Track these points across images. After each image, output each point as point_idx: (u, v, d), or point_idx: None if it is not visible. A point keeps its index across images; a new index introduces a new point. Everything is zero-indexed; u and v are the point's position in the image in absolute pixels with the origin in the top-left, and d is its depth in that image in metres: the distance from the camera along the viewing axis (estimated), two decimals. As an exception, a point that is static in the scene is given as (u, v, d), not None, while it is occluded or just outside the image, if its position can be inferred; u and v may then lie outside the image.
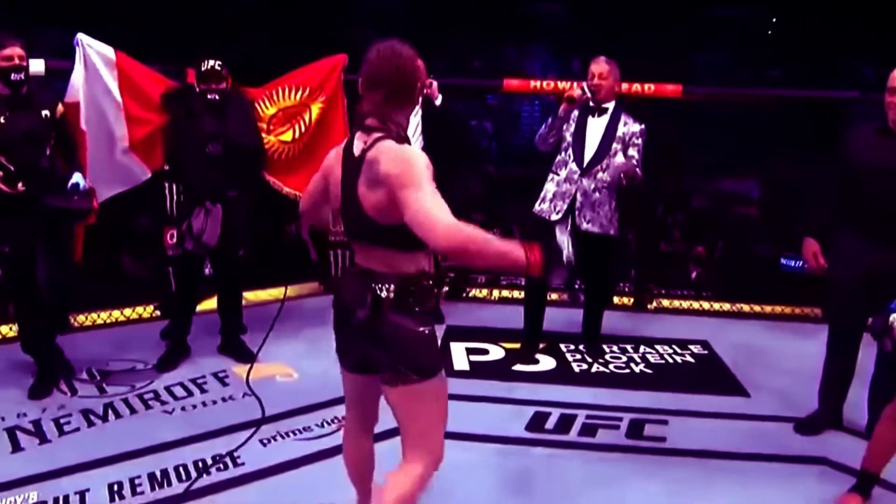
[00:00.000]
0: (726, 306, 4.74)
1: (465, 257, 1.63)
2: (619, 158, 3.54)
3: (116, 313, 4.16)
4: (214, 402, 3.22)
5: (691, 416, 3.24)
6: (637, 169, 3.48)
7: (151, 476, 2.62)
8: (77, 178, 3.15)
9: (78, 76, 3.45)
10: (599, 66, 3.57)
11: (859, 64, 7.96)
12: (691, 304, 4.78)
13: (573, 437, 3.03)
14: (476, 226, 1.65)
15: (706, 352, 4.02)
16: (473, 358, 3.81)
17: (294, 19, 7.36)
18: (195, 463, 2.71)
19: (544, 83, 4.72)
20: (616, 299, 4.65)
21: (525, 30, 9.11)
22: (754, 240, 6.37)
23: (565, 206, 3.57)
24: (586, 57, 3.72)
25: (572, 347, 3.93)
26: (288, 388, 3.38)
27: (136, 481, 2.59)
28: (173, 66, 3.80)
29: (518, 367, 3.71)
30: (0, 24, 3.24)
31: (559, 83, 4.58)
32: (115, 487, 2.55)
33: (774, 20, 8.85)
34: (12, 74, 3.00)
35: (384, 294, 1.79)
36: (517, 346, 3.89)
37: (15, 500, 2.46)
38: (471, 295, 4.87)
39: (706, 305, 4.77)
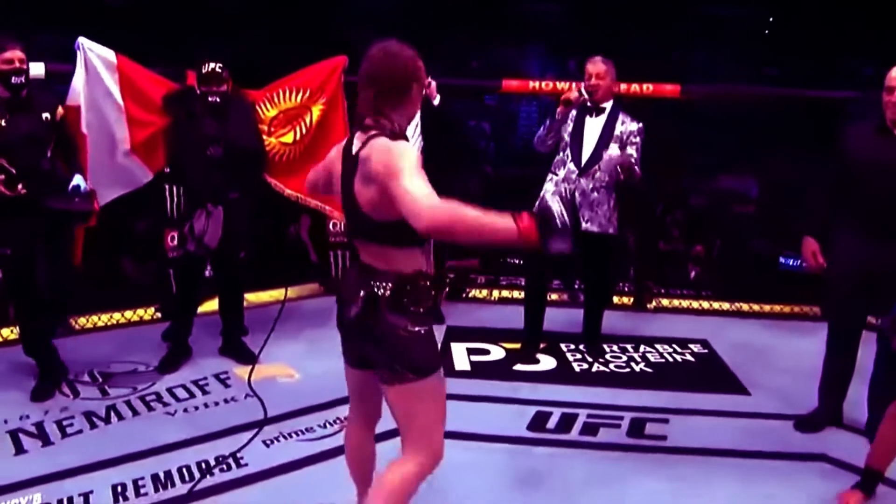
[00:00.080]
0: (726, 305, 4.75)
1: (453, 236, 1.65)
2: (614, 151, 3.53)
3: (117, 315, 4.17)
4: (216, 404, 3.23)
5: (692, 414, 3.25)
6: (636, 167, 3.49)
7: (155, 477, 2.63)
8: (78, 179, 3.16)
9: (79, 80, 3.45)
10: (596, 65, 3.57)
11: (857, 63, 7.98)
12: (691, 304, 4.80)
13: (575, 436, 3.05)
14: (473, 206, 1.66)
15: (706, 351, 4.04)
16: (474, 358, 3.82)
17: (291, 19, 7.37)
18: (198, 464, 2.72)
19: (543, 83, 4.72)
20: (616, 299, 4.66)
21: (522, 30, 9.13)
22: (752, 239, 6.38)
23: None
24: (583, 56, 3.72)
25: (573, 347, 3.94)
26: (289, 388, 3.38)
27: (140, 482, 2.59)
28: (172, 67, 3.80)
29: (519, 367, 3.72)
30: (-1, 26, 3.25)
31: (558, 83, 4.59)
32: (119, 489, 2.55)
33: (771, 19, 8.87)
34: (13, 77, 3.01)
35: (381, 292, 1.81)
36: (518, 346, 3.90)
37: (20, 501, 2.47)
38: (471, 295, 4.88)
39: (706, 305, 4.78)
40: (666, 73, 5.17)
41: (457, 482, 2.59)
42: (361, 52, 1.86)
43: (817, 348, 3.20)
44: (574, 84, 3.73)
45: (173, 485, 2.59)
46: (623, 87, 4.31)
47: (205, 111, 3.36)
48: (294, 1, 7.51)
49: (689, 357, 3.95)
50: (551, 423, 3.13)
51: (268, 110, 3.81)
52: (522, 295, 4.08)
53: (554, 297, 4.49)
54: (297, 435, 2.96)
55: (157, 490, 2.56)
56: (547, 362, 3.78)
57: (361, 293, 1.83)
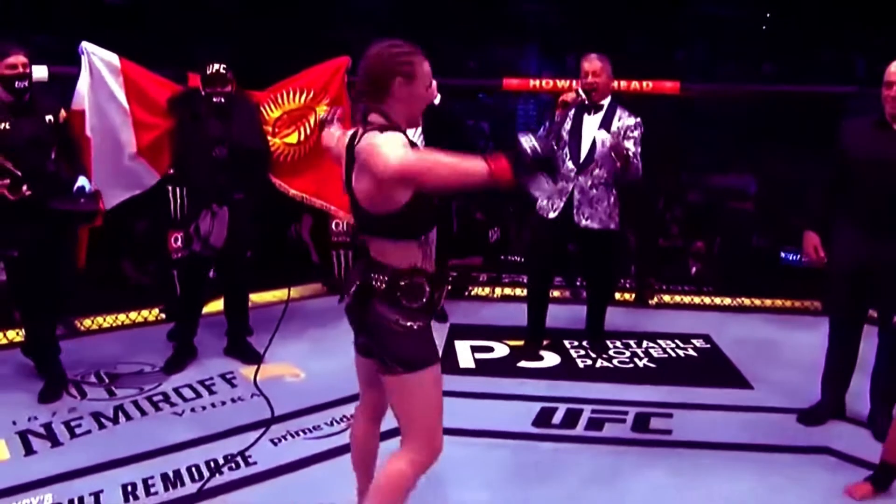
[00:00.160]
0: (727, 301, 4.77)
1: (423, 180, 1.69)
2: (605, 135, 3.50)
3: (122, 317, 4.18)
4: (223, 403, 3.25)
5: (696, 408, 3.28)
6: (634, 159, 3.48)
7: (164, 476, 2.64)
8: (82, 181, 3.18)
9: (83, 84, 3.46)
10: (592, 63, 3.58)
11: (853, 58, 8.02)
12: (692, 299, 4.82)
13: (580, 431, 3.07)
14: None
15: (708, 346, 4.06)
16: (479, 356, 3.84)
17: (291, 19, 7.39)
18: (207, 463, 2.73)
19: (543, 82, 4.74)
20: (617, 295, 4.68)
21: (518, 30, 9.15)
22: (751, 234, 6.42)
23: (562, 204, 3.59)
24: (579, 54, 3.73)
25: (576, 343, 3.96)
26: (295, 388, 3.40)
27: (150, 482, 2.61)
28: (172, 69, 3.82)
29: (523, 364, 3.74)
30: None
31: (558, 81, 4.61)
32: (129, 488, 2.57)
33: (768, 15, 8.91)
34: (16, 83, 3.03)
35: (377, 284, 1.85)
36: (521, 343, 3.92)
37: (31, 502, 2.48)
38: (473, 293, 4.90)
39: (707, 300, 4.80)
40: (665, 71, 5.19)
41: (465, 478, 2.61)
42: (359, 53, 1.90)
43: (819, 342, 3.22)
44: (573, 82, 3.73)
45: (183, 484, 2.61)
46: (623, 84, 4.34)
47: (209, 112, 3.37)
48: (294, 1, 7.53)
49: (691, 352, 3.97)
50: (556, 419, 3.15)
51: (272, 111, 3.83)
52: (525, 292, 4.11)
53: (556, 294, 4.51)
54: (305, 433, 2.97)
55: (167, 489, 2.58)
56: (551, 359, 3.81)
57: (356, 283, 1.88)
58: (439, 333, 3.71)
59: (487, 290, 4.93)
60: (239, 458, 2.77)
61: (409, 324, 1.85)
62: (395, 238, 1.85)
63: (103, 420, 3.08)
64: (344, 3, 8.21)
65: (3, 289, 3.47)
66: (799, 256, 5.13)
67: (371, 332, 1.89)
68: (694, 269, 5.69)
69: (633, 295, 4.82)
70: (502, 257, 5.59)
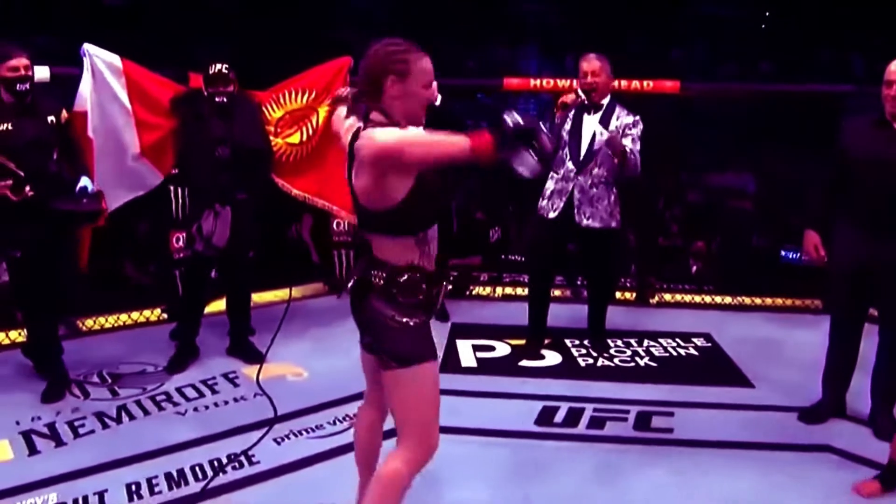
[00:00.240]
0: (728, 299, 4.78)
1: (405, 155, 1.73)
2: (601, 129, 3.51)
3: (124, 317, 4.18)
4: (226, 403, 3.25)
5: (697, 407, 3.29)
6: (631, 155, 3.48)
7: (168, 476, 2.65)
8: (85, 181, 3.19)
9: (86, 86, 3.46)
10: (591, 63, 3.58)
11: (852, 58, 8.03)
12: (693, 298, 4.83)
13: (582, 430, 3.08)
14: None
15: (709, 344, 4.07)
16: (480, 355, 3.85)
17: (291, 19, 7.40)
18: (210, 462, 2.74)
19: (543, 81, 4.75)
20: (618, 294, 4.69)
21: (517, 30, 9.16)
22: (751, 233, 6.43)
23: (562, 204, 3.60)
24: (579, 54, 3.74)
25: (577, 342, 3.97)
26: (298, 387, 3.41)
27: (154, 481, 2.62)
28: (173, 69, 3.83)
29: (525, 363, 3.75)
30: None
31: (558, 81, 4.62)
32: (133, 487, 2.58)
33: (768, 14, 8.92)
34: (18, 85, 3.05)
35: (375, 280, 1.87)
36: (522, 342, 3.93)
37: (35, 501, 2.49)
38: (474, 293, 4.91)
39: (707, 299, 4.81)
40: (665, 71, 5.20)
41: (467, 476, 2.62)
42: (359, 53, 1.92)
43: (820, 340, 3.24)
44: (573, 82, 3.74)
45: (186, 483, 2.62)
46: (623, 84, 4.34)
47: (212, 112, 3.38)
48: (294, 1, 7.53)
49: (692, 351, 3.98)
50: (558, 418, 3.16)
51: (274, 111, 3.84)
52: (526, 292, 4.12)
53: (557, 293, 4.52)
54: (308, 432, 2.98)
55: (170, 488, 2.58)
56: (552, 358, 3.82)
57: (354, 279, 1.92)
58: (441, 333, 3.73)
59: (488, 289, 4.94)
60: (242, 458, 2.78)
61: (405, 320, 1.87)
62: (392, 235, 1.88)
63: (107, 420, 3.09)
64: (344, 4, 8.22)
65: (6, 289, 3.48)
66: (799, 255, 5.14)
67: (368, 326, 1.92)
68: (694, 268, 5.71)
69: (634, 294, 4.83)
70: (503, 257, 5.61)
